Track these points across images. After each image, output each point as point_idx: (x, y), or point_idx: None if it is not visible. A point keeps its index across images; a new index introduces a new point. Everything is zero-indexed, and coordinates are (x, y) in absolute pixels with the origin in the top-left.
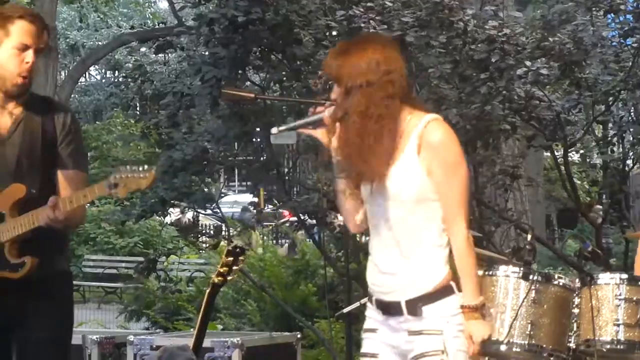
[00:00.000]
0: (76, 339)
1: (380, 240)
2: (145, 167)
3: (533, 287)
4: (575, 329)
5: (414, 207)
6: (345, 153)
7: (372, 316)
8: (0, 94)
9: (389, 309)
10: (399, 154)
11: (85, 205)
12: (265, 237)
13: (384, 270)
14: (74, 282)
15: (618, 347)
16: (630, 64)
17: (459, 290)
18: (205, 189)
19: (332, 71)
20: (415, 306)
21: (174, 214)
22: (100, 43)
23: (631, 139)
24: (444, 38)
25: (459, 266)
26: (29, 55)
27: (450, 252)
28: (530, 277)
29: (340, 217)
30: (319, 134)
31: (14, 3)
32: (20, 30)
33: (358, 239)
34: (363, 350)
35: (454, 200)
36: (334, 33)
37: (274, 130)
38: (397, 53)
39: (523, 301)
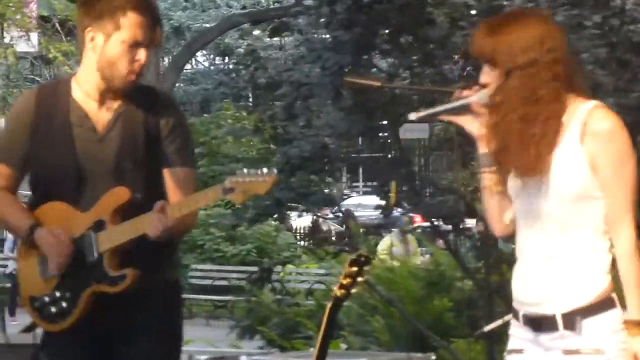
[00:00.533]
0: (182, 358)
1: (530, 243)
2: (265, 170)
3: None
4: None
5: (574, 205)
6: (501, 143)
7: (518, 334)
8: (102, 90)
9: (541, 323)
10: (559, 144)
11: (197, 211)
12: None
13: (535, 279)
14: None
15: None
16: None
17: (620, 303)
18: (326, 190)
19: (484, 51)
20: (573, 320)
21: (291, 217)
22: (207, 25)
23: None
24: (599, 18)
25: (624, 274)
26: (141, 53)
27: (613, 258)
28: None
29: (479, 223)
30: (464, 121)
31: None
32: (132, 24)
33: (500, 248)
34: None
35: (621, 198)
36: (473, 12)
37: (411, 116)
38: (559, 28)
39: None
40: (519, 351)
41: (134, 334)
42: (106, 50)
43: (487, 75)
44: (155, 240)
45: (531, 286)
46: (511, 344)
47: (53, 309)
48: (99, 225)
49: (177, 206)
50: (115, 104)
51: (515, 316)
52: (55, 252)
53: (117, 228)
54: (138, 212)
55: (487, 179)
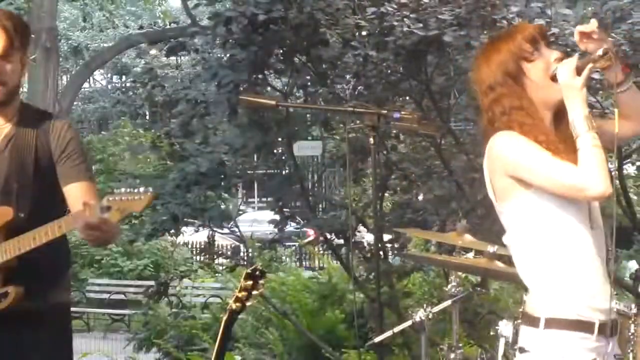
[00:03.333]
0: None
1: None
2: (142, 189)
3: None
4: (632, 358)
5: None
6: None
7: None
8: None
9: (613, 329)
10: None
11: (107, 224)
12: (287, 259)
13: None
14: (78, 309)
15: None
16: None
17: None
18: (222, 205)
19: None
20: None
21: (187, 232)
22: (105, 45)
23: None
24: (486, 38)
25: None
26: None
27: None
28: None
29: (369, 235)
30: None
31: None
32: None
33: (390, 260)
34: None
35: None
36: (364, 33)
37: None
38: None
39: None
40: None
41: (25, 355)
42: None
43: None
44: (40, 258)
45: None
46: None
47: None
48: None
49: (68, 218)
50: (7, 128)
51: (586, 328)
52: None
53: (1, 246)
54: (22, 230)
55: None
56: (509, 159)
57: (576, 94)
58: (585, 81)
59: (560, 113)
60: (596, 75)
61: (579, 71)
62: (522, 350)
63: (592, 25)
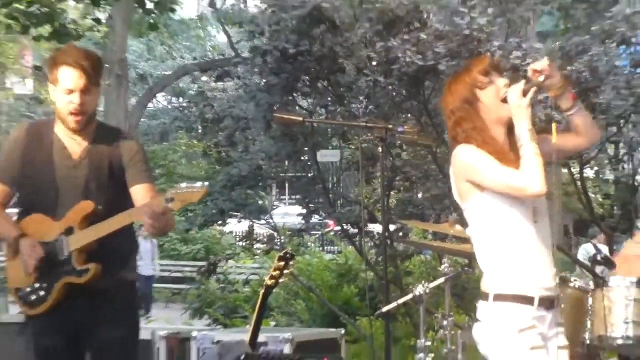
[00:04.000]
0: (146, 335)
1: (539, 237)
2: (199, 184)
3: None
4: (589, 326)
5: None
6: None
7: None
8: (69, 129)
9: (553, 303)
10: None
11: (168, 215)
12: (312, 245)
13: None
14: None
15: (628, 342)
16: None
17: None
18: (260, 202)
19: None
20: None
21: (231, 223)
22: (166, 73)
23: None
24: None
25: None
26: (76, 97)
27: None
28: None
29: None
30: None
31: (70, 45)
32: (64, 76)
33: (395, 246)
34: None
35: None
36: (374, 63)
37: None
38: None
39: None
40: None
41: (101, 321)
42: (53, 98)
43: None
44: (114, 243)
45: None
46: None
47: (33, 297)
48: (69, 231)
49: (139, 208)
50: (87, 141)
51: (528, 301)
52: (30, 258)
53: (84, 232)
54: (100, 220)
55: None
56: (467, 166)
57: (522, 112)
58: (530, 102)
59: (512, 128)
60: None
61: (524, 94)
62: (476, 320)
63: (544, 63)
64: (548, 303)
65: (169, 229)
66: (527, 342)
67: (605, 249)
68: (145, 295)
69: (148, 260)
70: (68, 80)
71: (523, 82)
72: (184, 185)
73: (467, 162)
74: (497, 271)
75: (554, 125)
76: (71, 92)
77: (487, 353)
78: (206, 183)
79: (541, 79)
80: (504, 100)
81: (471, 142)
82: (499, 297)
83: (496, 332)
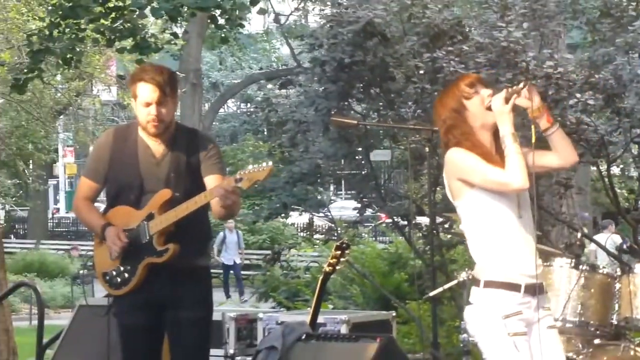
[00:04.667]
0: (217, 316)
1: (522, 228)
2: (264, 164)
3: (582, 275)
4: (616, 308)
5: None
6: None
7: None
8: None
9: (537, 289)
10: None
11: (237, 194)
12: (366, 235)
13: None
14: (217, 271)
15: None
16: None
17: None
18: (318, 197)
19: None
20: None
21: (293, 216)
22: (235, 81)
23: None
24: (510, 75)
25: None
26: (153, 109)
27: None
28: (580, 267)
29: (425, 218)
30: None
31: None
32: (141, 90)
33: (441, 237)
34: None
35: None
36: (421, 72)
37: None
38: None
39: (574, 286)
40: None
41: (179, 302)
42: (135, 110)
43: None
44: (189, 227)
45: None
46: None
47: (118, 279)
48: (150, 217)
49: (212, 189)
50: (166, 141)
51: (514, 288)
52: (115, 244)
53: (163, 217)
54: (178, 206)
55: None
56: (457, 166)
57: (505, 117)
58: (511, 107)
59: (497, 132)
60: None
61: (506, 101)
62: (468, 303)
63: (520, 87)
64: (532, 290)
65: (235, 209)
66: (510, 328)
67: (617, 239)
68: (237, 280)
69: (234, 250)
70: (145, 95)
71: (504, 90)
72: (250, 166)
73: (457, 162)
74: (487, 260)
75: (532, 128)
76: (148, 104)
77: (474, 333)
78: (270, 162)
79: (520, 85)
80: (489, 108)
81: (461, 146)
82: (488, 284)
83: (483, 316)
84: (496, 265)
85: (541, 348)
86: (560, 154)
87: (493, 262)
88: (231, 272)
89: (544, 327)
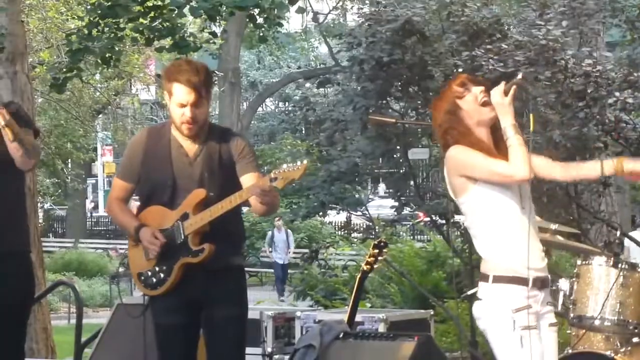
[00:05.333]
0: (255, 315)
1: (527, 223)
2: (299, 162)
3: (621, 274)
4: None
5: None
6: None
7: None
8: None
9: (544, 283)
10: None
11: (274, 192)
12: (403, 234)
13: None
14: (254, 269)
15: None
16: None
17: None
18: (356, 195)
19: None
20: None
21: (331, 214)
22: (274, 80)
23: None
24: (549, 73)
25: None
26: (188, 110)
27: None
28: (619, 265)
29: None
30: None
31: (183, 58)
32: (177, 91)
33: None
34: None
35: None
36: (460, 70)
37: None
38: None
39: (613, 285)
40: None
41: (214, 301)
42: (169, 106)
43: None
44: (224, 227)
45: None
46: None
47: (154, 279)
48: (184, 217)
49: (247, 188)
50: (200, 140)
51: (523, 282)
52: (151, 244)
53: (198, 216)
54: (213, 205)
55: None
56: (459, 162)
57: (506, 109)
58: (510, 99)
59: (493, 127)
60: None
61: (505, 93)
62: (477, 298)
63: (519, 79)
64: (540, 283)
65: (274, 207)
66: (520, 321)
67: None
68: (282, 280)
69: (283, 250)
70: (180, 96)
71: (503, 82)
72: (284, 165)
73: (459, 158)
74: (495, 255)
75: (531, 116)
76: (183, 106)
77: (485, 328)
78: (305, 161)
79: (519, 76)
80: (484, 104)
81: (460, 144)
82: (497, 279)
83: (494, 311)
84: (504, 259)
85: (542, 347)
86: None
87: (500, 257)
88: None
89: (545, 324)
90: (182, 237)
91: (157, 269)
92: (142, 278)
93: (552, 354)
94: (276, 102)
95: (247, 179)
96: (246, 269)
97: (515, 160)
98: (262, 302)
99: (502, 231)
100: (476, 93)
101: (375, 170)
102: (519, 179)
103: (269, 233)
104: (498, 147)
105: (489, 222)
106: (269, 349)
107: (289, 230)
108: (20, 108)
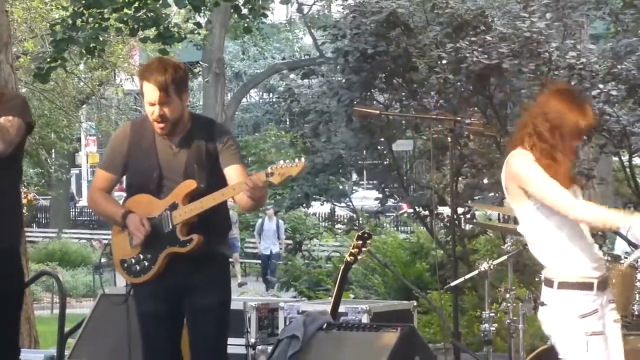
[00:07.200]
0: (238, 305)
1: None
2: (297, 159)
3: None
4: (637, 298)
5: None
6: None
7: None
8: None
9: (605, 283)
10: None
11: (265, 188)
12: (387, 225)
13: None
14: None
15: None
16: None
17: None
18: (340, 187)
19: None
20: None
21: (315, 205)
22: (258, 71)
23: None
24: (533, 65)
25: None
26: (156, 110)
27: None
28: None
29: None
30: None
31: (157, 57)
32: (146, 90)
33: (463, 227)
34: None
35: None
36: (444, 62)
37: None
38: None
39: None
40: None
41: (197, 288)
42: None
43: None
44: (211, 217)
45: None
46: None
47: (137, 267)
48: (173, 206)
49: (242, 181)
50: (184, 132)
51: (588, 287)
52: (138, 231)
53: (187, 207)
54: (201, 197)
55: None
56: (520, 175)
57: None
58: None
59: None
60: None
61: None
62: (542, 304)
63: None
64: (603, 285)
65: (261, 204)
66: (587, 327)
67: None
68: (270, 271)
69: (271, 239)
70: (148, 95)
71: None
72: (281, 161)
73: (520, 172)
74: (557, 262)
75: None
76: (152, 104)
77: (551, 334)
78: (302, 159)
79: None
80: (572, 155)
81: (539, 160)
82: (562, 285)
83: (560, 317)
84: (567, 265)
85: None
86: None
87: (563, 263)
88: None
89: (609, 322)
90: (170, 227)
91: (141, 256)
92: (126, 265)
93: (618, 350)
94: (260, 93)
95: (231, 171)
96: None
97: (587, 212)
98: (245, 293)
99: (561, 238)
100: (578, 144)
101: (360, 162)
102: (571, 218)
103: (259, 221)
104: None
105: (547, 231)
106: (253, 340)
107: (280, 221)
108: (10, 95)
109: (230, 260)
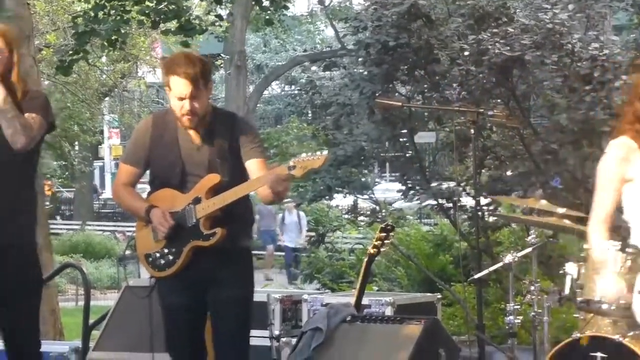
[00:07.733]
0: (262, 297)
1: None
2: (319, 152)
3: (629, 258)
4: None
5: None
6: None
7: None
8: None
9: None
10: None
11: (288, 182)
12: (411, 217)
13: None
14: (261, 252)
15: None
16: None
17: None
18: (363, 179)
19: None
20: None
21: (338, 198)
22: (280, 63)
23: None
24: (556, 57)
25: None
26: (187, 103)
27: None
28: (627, 249)
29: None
30: None
31: (179, 52)
32: (175, 84)
33: (486, 219)
34: None
35: None
36: (466, 54)
37: None
38: None
39: (620, 270)
40: None
41: (221, 282)
42: (170, 99)
43: None
44: (235, 211)
45: None
46: None
47: (162, 261)
48: (197, 200)
49: (264, 175)
50: (204, 128)
51: None
52: (161, 225)
53: (210, 201)
54: (225, 190)
55: None
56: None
57: None
58: None
59: None
60: None
61: None
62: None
63: None
64: None
65: (283, 197)
66: None
67: None
68: (295, 263)
69: (294, 232)
70: (178, 89)
71: None
72: (303, 154)
73: (598, 171)
74: None
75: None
76: (182, 99)
77: None
78: (325, 151)
79: None
80: None
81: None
82: None
83: None
84: None
85: None
86: None
87: None
88: (296, 254)
89: None
90: (194, 220)
91: (165, 250)
92: (150, 259)
93: None
94: (282, 85)
95: (253, 165)
96: (253, 252)
97: (594, 244)
98: (269, 285)
99: None
100: None
101: (382, 154)
102: (588, 230)
103: (279, 216)
104: None
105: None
106: (276, 332)
107: (301, 213)
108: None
109: (264, 253)
